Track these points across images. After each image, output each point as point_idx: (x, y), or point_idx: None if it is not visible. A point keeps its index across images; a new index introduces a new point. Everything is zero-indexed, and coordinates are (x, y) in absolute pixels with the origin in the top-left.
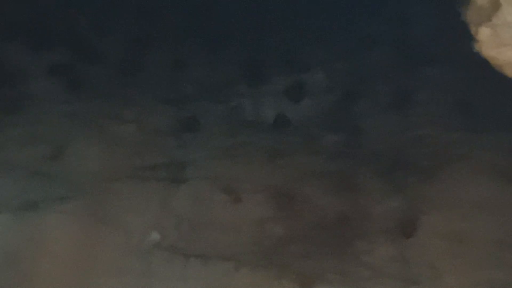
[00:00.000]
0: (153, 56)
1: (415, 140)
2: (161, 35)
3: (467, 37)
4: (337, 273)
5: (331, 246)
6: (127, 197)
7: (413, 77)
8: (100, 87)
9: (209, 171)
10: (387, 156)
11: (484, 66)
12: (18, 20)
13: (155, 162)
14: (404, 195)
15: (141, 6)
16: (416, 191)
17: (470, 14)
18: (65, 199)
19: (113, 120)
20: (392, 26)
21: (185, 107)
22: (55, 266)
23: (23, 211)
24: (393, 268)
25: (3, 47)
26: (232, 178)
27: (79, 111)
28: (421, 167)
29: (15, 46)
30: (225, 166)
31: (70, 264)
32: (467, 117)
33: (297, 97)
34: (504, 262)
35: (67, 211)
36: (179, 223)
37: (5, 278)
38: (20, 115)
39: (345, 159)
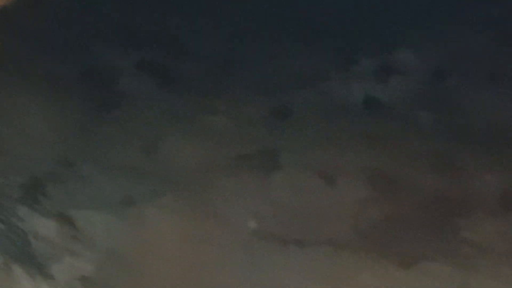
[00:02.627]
0: (242, 48)
1: None
2: (249, 27)
3: None
4: (439, 251)
5: (431, 226)
6: (222, 188)
7: (508, 53)
8: (191, 82)
9: (303, 157)
10: (485, 132)
11: None
12: (108, 20)
13: (248, 151)
14: (504, 170)
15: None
16: None
17: None
18: (162, 193)
19: (204, 112)
20: (485, 3)
21: (275, 95)
22: (159, 260)
23: (122, 208)
24: (497, 244)
25: (94, 47)
26: (326, 162)
27: (171, 106)
28: None
29: (105, 45)
30: (319, 151)
31: (172, 258)
32: None
33: (387, 78)
34: None
35: (165, 205)
36: (276, 210)
37: (110, 275)
38: (114, 113)
39: (441, 137)
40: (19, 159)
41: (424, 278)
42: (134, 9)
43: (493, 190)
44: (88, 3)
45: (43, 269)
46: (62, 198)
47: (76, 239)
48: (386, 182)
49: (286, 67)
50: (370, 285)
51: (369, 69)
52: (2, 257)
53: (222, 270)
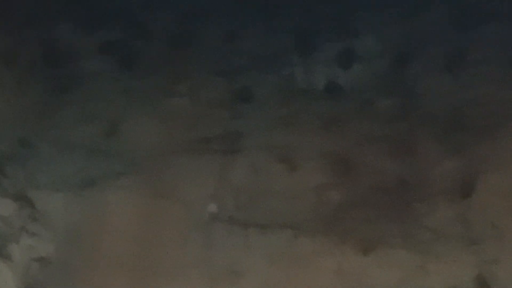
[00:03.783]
0: (204, 29)
1: (471, 100)
2: (211, 8)
3: None
4: (398, 236)
5: (390, 210)
6: (184, 170)
7: (467, 37)
8: (153, 63)
9: (264, 141)
10: (443, 117)
11: None
12: (69, 0)
13: (210, 134)
14: (461, 155)
15: None
16: (473, 151)
17: None
18: (123, 175)
19: (166, 94)
20: None
21: (237, 78)
22: (117, 241)
23: (82, 189)
24: (454, 229)
25: (54, 27)
26: (287, 146)
27: (132, 87)
28: (477, 127)
29: (66, 25)
30: (280, 135)
31: (131, 239)
32: None
33: (348, 63)
34: None
35: (125, 187)
36: (237, 193)
37: (68, 255)
38: (74, 94)
39: (400, 122)
40: None
41: (383, 263)
42: None
43: (451, 177)
44: None
45: (1, 250)
46: (21, 178)
47: (35, 219)
48: (345, 167)
49: (247, 50)
50: (330, 270)
51: (332, 55)
52: None
53: (180, 250)
